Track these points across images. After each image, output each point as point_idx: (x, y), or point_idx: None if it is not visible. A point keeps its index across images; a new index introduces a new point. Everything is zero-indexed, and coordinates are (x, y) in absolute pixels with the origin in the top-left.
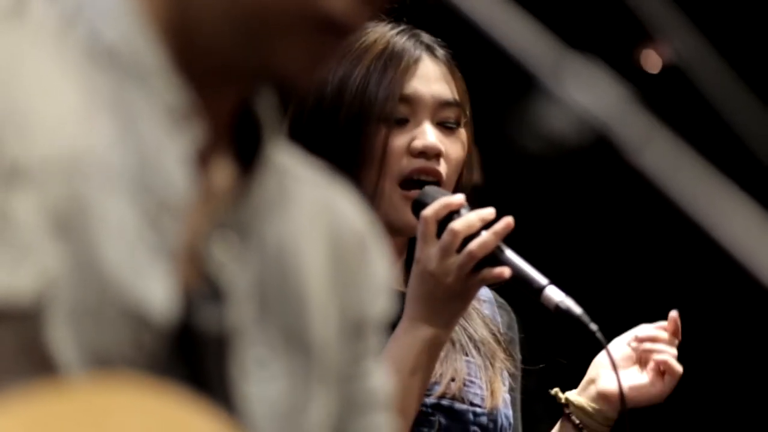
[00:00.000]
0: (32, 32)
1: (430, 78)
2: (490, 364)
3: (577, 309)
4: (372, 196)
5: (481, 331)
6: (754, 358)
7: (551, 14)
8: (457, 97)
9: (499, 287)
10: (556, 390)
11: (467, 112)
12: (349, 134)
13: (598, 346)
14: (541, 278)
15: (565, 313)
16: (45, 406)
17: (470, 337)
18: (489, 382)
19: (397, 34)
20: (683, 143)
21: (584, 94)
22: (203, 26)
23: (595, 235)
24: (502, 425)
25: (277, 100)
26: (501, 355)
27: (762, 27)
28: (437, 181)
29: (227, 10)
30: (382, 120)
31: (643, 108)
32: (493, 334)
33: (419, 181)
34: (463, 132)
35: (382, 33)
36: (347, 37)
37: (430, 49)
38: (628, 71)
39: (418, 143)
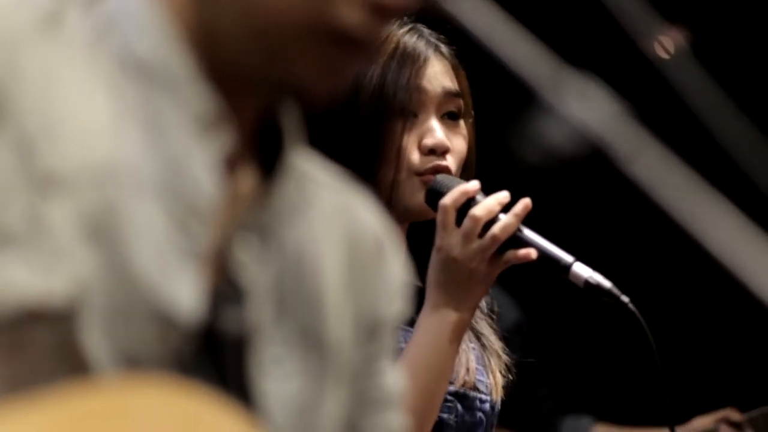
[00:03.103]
0: (66, 43)
1: (438, 72)
2: (491, 357)
3: (606, 283)
4: (389, 189)
5: (481, 323)
6: (736, 359)
7: (550, 31)
8: (459, 89)
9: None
10: None
11: (470, 109)
12: (368, 130)
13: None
14: (566, 256)
15: (595, 288)
16: (77, 404)
17: (472, 327)
18: (493, 375)
19: (406, 33)
20: (672, 154)
21: (580, 108)
22: (225, 38)
23: (589, 240)
24: (496, 412)
25: (300, 108)
26: (499, 348)
27: (748, 42)
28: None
29: (246, 22)
30: (401, 115)
31: (635, 121)
32: (491, 327)
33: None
34: (463, 125)
35: (392, 32)
36: (362, 51)
37: (436, 47)
38: (623, 86)
39: (428, 141)
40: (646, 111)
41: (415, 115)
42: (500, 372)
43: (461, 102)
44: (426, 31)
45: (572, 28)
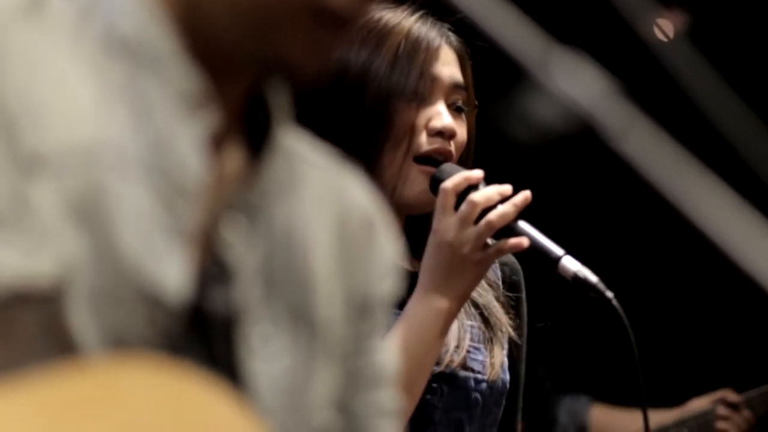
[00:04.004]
0: (50, 26)
1: (449, 62)
2: (493, 332)
3: (593, 277)
4: (394, 172)
5: (486, 296)
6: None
7: (540, 8)
8: (465, 83)
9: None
10: None
11: (473, 99)
12: (377, 112)
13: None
14: (556, 249)
15: (582, 282)
16: (66, 386)
17: (474, 303)
18: (491, 352)
19: (417, 20)
20: (662, 131)
21: (570, 85)
22: (211, 17)
23: (579, 218)
24: (500, 390)
25: (288, 86)
26: (505, 321)
27: (739, 24)
28: (448, 160)
29: (232, 1)
30: (414, 99)
31: (626, 98)
32: (498, 299)
33: (433, 158)
34: (464, 116)
35: (403, 18)
36: (348, 29)
37: (447, 37)
38: (613, 63)
39: (437, 123)
40: (637, 88)
41: (424, 100)
42: (503, 348)
43: (467, 94)
44: (437, 20)
45: (562, 4)
